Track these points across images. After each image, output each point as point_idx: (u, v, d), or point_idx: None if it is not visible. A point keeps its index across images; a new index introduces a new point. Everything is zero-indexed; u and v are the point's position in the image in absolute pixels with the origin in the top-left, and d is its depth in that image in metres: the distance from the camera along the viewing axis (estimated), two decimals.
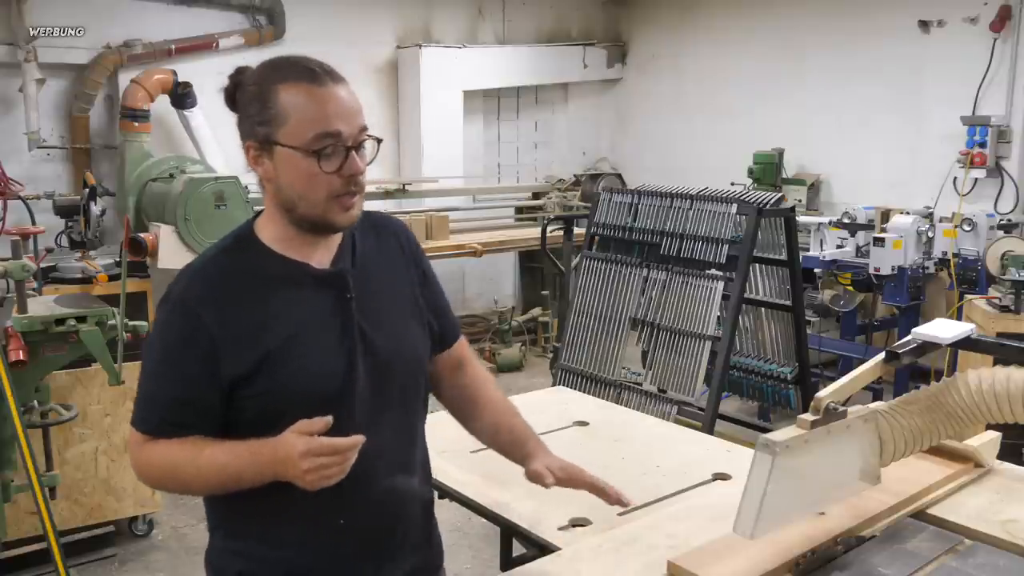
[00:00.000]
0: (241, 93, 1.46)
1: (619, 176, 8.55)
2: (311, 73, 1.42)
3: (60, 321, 3.23)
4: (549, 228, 6.21)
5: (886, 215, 5.89)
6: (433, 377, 1.73)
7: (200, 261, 1.53)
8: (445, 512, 1.75)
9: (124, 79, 6.02)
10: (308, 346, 1.47)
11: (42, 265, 4.33)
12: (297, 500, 1.41)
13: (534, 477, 1.70)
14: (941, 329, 1.95)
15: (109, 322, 3.32)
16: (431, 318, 1.68)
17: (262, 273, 1.49)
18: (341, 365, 1.49)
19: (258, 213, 1.56)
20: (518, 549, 2.18)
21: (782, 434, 1.54)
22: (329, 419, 1.37)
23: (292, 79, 1.42)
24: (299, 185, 1.43)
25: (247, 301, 1.46)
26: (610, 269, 4.42)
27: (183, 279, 1.49)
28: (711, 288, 4.01)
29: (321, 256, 1.52)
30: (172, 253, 5.22)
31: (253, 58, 5.97)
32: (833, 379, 1.90)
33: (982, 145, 5.96)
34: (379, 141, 1.49)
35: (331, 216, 1.45)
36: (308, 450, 1.34)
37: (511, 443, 1.76)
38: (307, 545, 1.51)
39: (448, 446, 2.36)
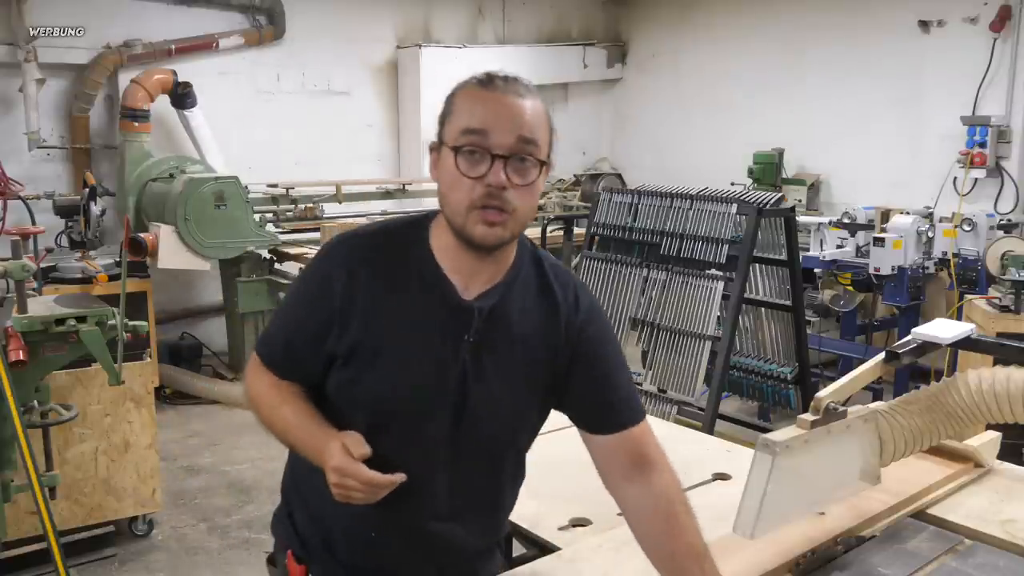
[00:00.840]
0: None
1: (619, 176, 8.55)
2: (486, 78, 1.40)
3: (60, 321, 3.22)
4: (549, 228, 6.21)
5: (886, 215, 5.89)
6: (597, 463, 1.57)
7: (369, 230, 1.52)
8: None
9: (124, 79, 6.02)
10: (402, 364, 1.43)
11: (42, 265, 4.33)
12: (343, 504, 1.41)
13: None
14: (941, 329, 1.95)
15: (109, 322, 3.32)
16: (582, 401, 1.53)
17: (405, 271, 1.44)
18: (425, 398, 1.44)
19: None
20: (518, 549, 2.18)
21: (782, 434, 1.54)
22: (368, 451, 1.36)
23: (470, 85, 1.41)
24: (444, 184, 1.40)
25: (377, 290, 1.43)
26: (610, 269, 4.42)
27: (339, 240, 1.50)
28: (711, 288, 4.01)
29: (473, 281, 1.44)
30: (172, 253, 5.23)
31: (253, 58, 5.99)
32: (833, 379, 1.90)
33: (982, 145, 5.96)
34: (543, 164, 1.38)
35: (470, 227, 1.36)
36: (339, 468, 1.35)
37: None
38: (343, 536, 1.52)
39: None
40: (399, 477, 1.36)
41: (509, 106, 1.36)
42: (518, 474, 1.62)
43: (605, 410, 1.53)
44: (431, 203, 7.17)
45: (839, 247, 5.74)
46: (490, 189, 1.33)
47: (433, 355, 1.43)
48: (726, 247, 4.01)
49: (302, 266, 5.17)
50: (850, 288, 5.64)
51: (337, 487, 1.35)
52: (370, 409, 1.44)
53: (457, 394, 1.44)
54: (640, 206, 4.37)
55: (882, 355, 1.85)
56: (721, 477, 2.20)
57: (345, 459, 1.34)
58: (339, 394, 1.47)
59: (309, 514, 1.56)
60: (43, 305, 3.38)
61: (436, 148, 1.43)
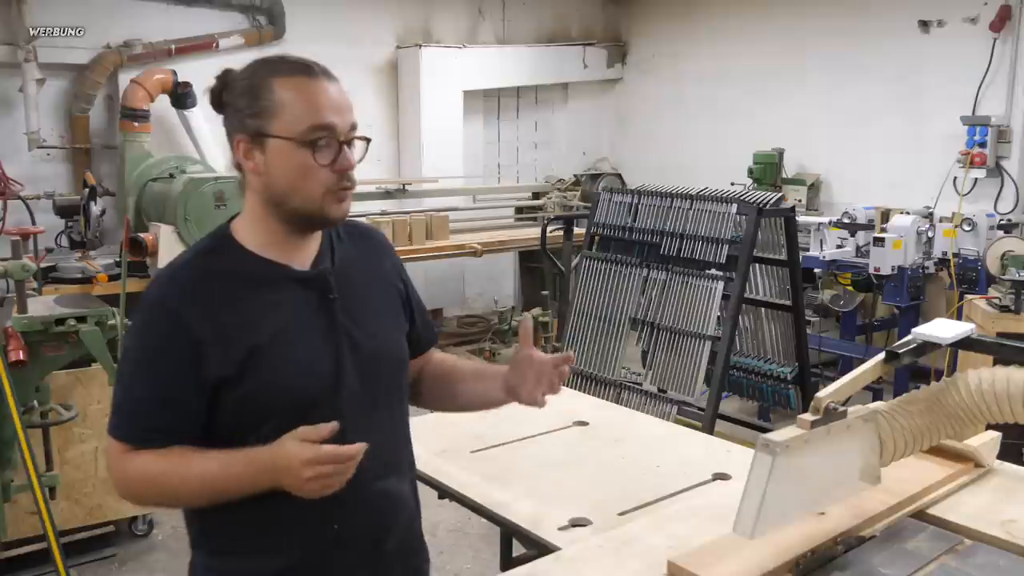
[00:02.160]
0: (229, 91, 1.46)
1: (619, 176, 8.55)
2: (305, 67, 1.44)
3: (60, 321, 3.23)
4: (549, 228, 6.21)
5: (886, 215, 5.89)
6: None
7: (176, 263, 1.51)
8: (445, 512, 1.74)
9: (124, 79, 6.02)
10: (294, 345, 1.46)
11: (42, 265, 4.34)
12: (290, 509, 1.41)
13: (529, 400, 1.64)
14: (941, 329, 1.95)
15: (109, 322, 3.32)
16: (414, 325, 1.70)
17: (242, 274, 1.47)
18: (328, 364, 1.49)
19: (233, 216, 1.54)
20: (518, 549, 2.19)
21: (782, 434, 1.53)
22: (335, 425, 1.37)
23: (285, 72, 1.43)
24: (292, 178, 1.42)
25: (229, 301, 1.44)
26: (610, 269, 4.41)
27: (160, 281, 1.48)
28: (711, 288, 4.01)
29: (301, 259, 1.52)
30: (172, 253, 5.22)
31: (253, 58, 5.94)
32: (833, 379, 1.90)
33: (982, 145, 5.96)
34: (367, 141, 1.49)
35: (327, 209, 1.45)
36: (314, 458, 1.33)
37: (482, 381, 1.74)
38: (301, 554, 1.48)
39: (448, 446, 2.36)
40: (360, 445, 1.36)
41: (339, 96, 1.45)
42: (408, 415, 1.70)
43: (428, 332, 1.76)
44: (432, 203, 7.12)
45: (839, 247, 5.74)
46: (342, 173, 1.44)
47: (315, 330, 1.49)
48: (726, 247, 4.01)
49: None
50: (850, 288, 5.64)
51: (314, 481, 1.34)
52: (287, 403, 1.43)
53: (351, 350, 1.51)
54: (640, 206, 4.36)
55: (882, 355, 1.85)
56: (721, 477, 2.20)
57: (314, 448, 1.34)
58: (244, 412, 1.43)
59: (255, 561, 1.49)
60: (43, 305, 3.39)
61: (255, 140, 1.43)
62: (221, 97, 1.47)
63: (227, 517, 1.46)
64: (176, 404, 1.42)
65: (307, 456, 1.34)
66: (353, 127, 1.46)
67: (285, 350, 1.45)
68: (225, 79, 1.47)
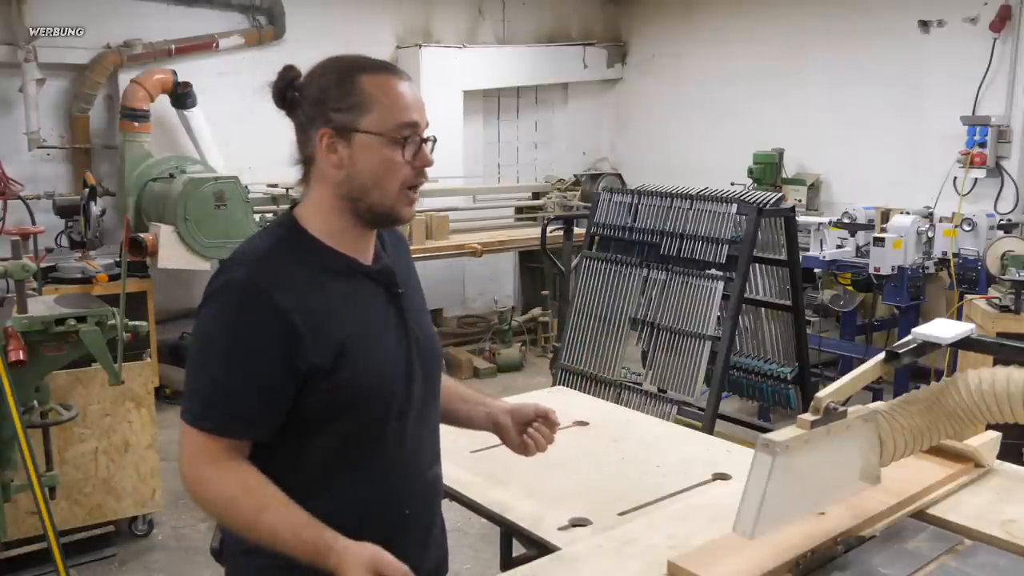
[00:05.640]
0: (307, 85, 1.46)
1: (619, 176, 8.55)
2: (390, 66, 1.51)
3: (60, 321, 3.23)
4: (549, 228, 6.21)
5: (886, 215, 5.89)
6: None
7: (259, 247, 1.46)
8: (445, 512, 1.74)
9: (124, 79, 6.03)
10: (378, 340, 1.50)
11: (42, 265, 4.34)
12: (372, 495, 1.49)
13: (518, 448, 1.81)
14: (941, 329, 1.95)
15: (109, 322, 3.32)
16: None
17: (319, 263, 1.47)
18: (403, 360, 1.53)
19: (294, 204, 1.53)
20: (518, 549, 2.18)
21: (782, 434, 1.53)
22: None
23: (371, 71, 1.46)
24: (377, 173, 1.45)
25: (316, 290, 1.44)
26: (610, 269, 4.41)
27: (246, 264, 1.42)
28: (711, 288, 4.01)
29: (364, 254, 1.54)
30: (172, 253, 5.23)
31: (253, 58, 6.00)
32: (833, 379, 1.90)
33: (982, 145, 5.96)
34: (435, 141, 1.54)
35: (399, 207, 1.48)
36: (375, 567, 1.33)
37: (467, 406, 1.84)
38: (379, 539, 1.43)
39: (448, 446, 2.35)
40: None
41: (417, 96, 1.51)
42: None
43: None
44: (432, 203, 7.09)
45: (839, 247, 5.74)
46: (421, 170, 1.49)
47: (390, 326, 1.54)
48: (726, 247, 4.01)
49: None
50: (850, 288, 5.64)
51: None
52: (372, 397, 1.47)
53: (416, 347, 1.56)
54: (640, 206, 4.36)
55: (882, 355, 1.85)
56: (721, 477, 2.20)
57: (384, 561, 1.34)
58: (330, 403, 1.43)
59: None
60: (43, 305, 3.39)
61: (341, 134, 1.43)
62: (286, 93, 1.47)
63: (314, 504, 1.42)
64: (267, 392, 1.39)
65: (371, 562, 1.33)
66: (427, 126, 1.50)
67: (371, 344, 1.48)
68: (290, 75, 1.47)
